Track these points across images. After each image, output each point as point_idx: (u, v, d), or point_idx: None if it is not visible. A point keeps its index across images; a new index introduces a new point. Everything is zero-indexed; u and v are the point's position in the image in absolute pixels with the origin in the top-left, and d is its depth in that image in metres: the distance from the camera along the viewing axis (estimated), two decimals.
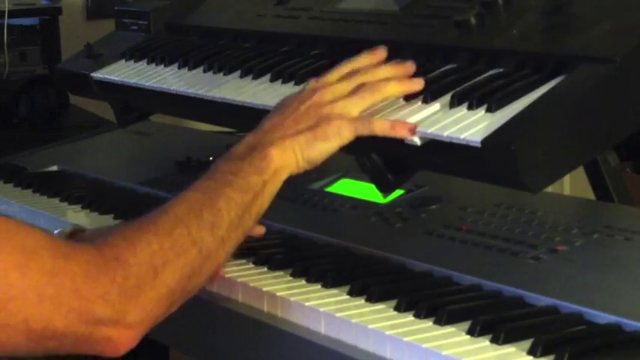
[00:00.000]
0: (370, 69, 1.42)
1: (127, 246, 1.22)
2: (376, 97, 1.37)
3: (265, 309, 1.37)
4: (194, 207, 1.28)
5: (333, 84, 1.40)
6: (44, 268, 1.14)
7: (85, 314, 1.16)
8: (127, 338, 1.20)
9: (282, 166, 1.34)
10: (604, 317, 1.21)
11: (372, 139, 1.34)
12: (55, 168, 2.20)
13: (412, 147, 1.31)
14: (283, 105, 1.41)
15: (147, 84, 1.84)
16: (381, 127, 1.33)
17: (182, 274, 1.24)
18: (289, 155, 1.35)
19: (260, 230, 1.46)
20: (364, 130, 1.34)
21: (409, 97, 1.38)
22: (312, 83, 1.41)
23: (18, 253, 1.13)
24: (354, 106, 1.36)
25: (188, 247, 1.25)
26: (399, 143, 1.32)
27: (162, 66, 1.88)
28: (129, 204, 1.82)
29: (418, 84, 1.38)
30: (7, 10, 3.30)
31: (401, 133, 1.32)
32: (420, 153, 1.33)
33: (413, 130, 1.31)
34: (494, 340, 1.17)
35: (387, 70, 1.41)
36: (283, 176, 1.35)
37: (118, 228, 1.30)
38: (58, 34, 3.48)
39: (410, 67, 1.41)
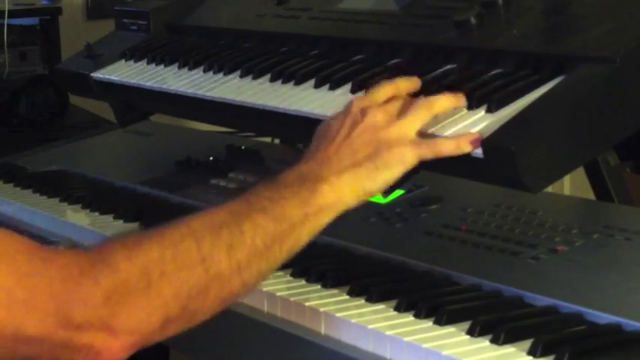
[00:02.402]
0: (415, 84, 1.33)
1: (122, 250, 1.13)
2: (431, 112, 1.28)
3: (265, 309, 1.37)
4: (213, 224, 1.18)
5: (382, 103, 1.30)
6: (17, 271, 1.08)
7: (63, 318, 1.09)
8: (111, 348, 1.11)
9: (332, 204, 1.23)
10: (604, 317, 1.21)
11: None
12: (55, 168, 2.20)
13: None
14: (331, 128, 1.29)
15: (147, 84, 1.84)
16: (447, 148, 1.24)
17: (181, 289, 1.14)
18: (345, 191, 1.24)
19: None
20: (429, 154, 1.25)
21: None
22: (356, 102, 1.30)
23: None
24: (411, 126, 1.26)
25: (194, 262, 1.15)
26: None
27: (162, 66, 1.88)
28: (129, 204, 1.82)
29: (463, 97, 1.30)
30: (7, 10, 3.30)
31: (468, 148, 1.23)
32: None
33: (478, 142, 1.23)
34: (495, 340, 1.17)
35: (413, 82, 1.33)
36: (332, 215, 1.24)
37: (122, 234, 1.21)
38: (58, 34, 3.48)
39: None
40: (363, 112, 1.28)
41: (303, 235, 1.22)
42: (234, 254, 1.17)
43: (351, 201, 1.25)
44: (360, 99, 1.31)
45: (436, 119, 1.29)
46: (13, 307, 1.07)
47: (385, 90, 1.32)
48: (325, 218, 1.24)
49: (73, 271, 1.10)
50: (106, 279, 1.11)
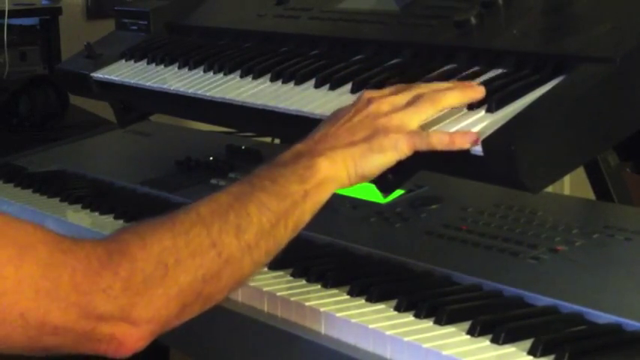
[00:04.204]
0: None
1: (137, 240, 1.16)
2: (436, 107, 1.28)
3: (265, 309, 1.37)
4: (220, 208, 1.21)
5: (390, 95, 1.31)
6: (40, 262, 1.10)
7: (85, 309, 1.11)
8: (132, 337, 1.14)
9: (329, 177, 1.25)
10: (604, 317, 1.21)
11: None
12: (55, 168, 2.20)
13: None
14: (336, 115, 1.33)
15: (147, 84, 1.84)
16: (439, 142, 1.25)
17: (196, 275, 1.17)
18: (339, 167, 1.26)
19: None
20: (422, 145, 1.26)
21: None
22: (366, 93, 1.33)
23: (13, 246, 1.10)
24: (413, 118, 1.28)
25: (206, 247, 1.18)
26: None
27: (162, 66, 1.88)
28: (129, 204, 1.82)
29: (479, 92, 1.29)
30: (7, 10, 3.30)
31: (463, 145, 1.24)
32: (420, 153, 1.33)
33: (476, 141, 1.23)
34: (495, 340, 1.17)
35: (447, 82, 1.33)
36: (330, 189, 1.26)
37: (133, 224, 1.24)
38: (58, 34, 3.48)
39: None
40: (370, 101, 1.31)
41: (305, 211, 1.24)
42: (242, 236, 1.19)
43: (345, 179, 1.27)
44: (371, 91, 1.34)
45: (438, 118, 1.29)
46: (38, 298, 1.10)
47: (396, 86, 1.34)
48: (324, 193, 1.26)
49: (92, 263, 1.13)
50: (124, 270, 1.13)
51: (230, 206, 1.21)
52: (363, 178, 1.28)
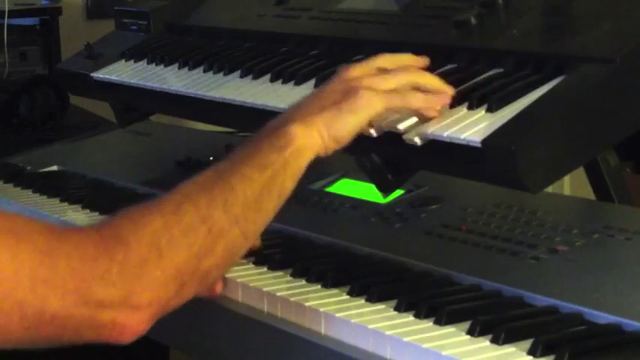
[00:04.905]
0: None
1: (128, 224, 1.17)
2: (410, 78, 1.32)
3: (265, 309, 1.37)
4: (205, 185, 1.23)
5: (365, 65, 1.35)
6: (36, 250, 1.10)
7: (84, 296, 1.11)
8: (133, 321, 1.14)
9: (305, 144, 1.26)
10: (604, 317, 1.21)
11: (370, 139, 1.34)
12: (55, 168, 2.20)
13: (412, 147, 1.31)
14: (313, 92, 1.36)
15: (147, 84, 1.84)
16: (416, 100, 1.28)
17: (190, 253, 1.18)
18: (313, 134, 1.27)
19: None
20: (396, 102, 1.28)
21: None
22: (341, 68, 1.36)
23: (8, 236, 1.10)
24: (383, 82, 1.30)
25: (196, 224, 1.19)
26: (399, 143, 1.32)
27: (162, 66, 1.88)
28: (129, 204, 1.81)
29: (447, 99, 1.32)
30: (7, 10, 3.31)
31: (438, 104, 1.28)
32: (420, 153, 1.33)
33: (447, 102, 1.29)
34: (494, 340, 1.17)
35: (420, 59, 1.38)
36: (307, 156, 1.27)
37: (123, 210, 1.24)
38: (58, 34, 3.48)
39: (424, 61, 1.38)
40: (342, 69, 1.34)
41: (287, 179, 1.26)
42: (230, 209, 1.21)
43: (321, 144, 1.28)
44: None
45: (435, 120, 1.29)
46: (35, 286, 1.10)
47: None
48: (302, 160, 1.27)
49: (87, 249, 1.13)
50: (119, 254, 1.14)
51: (214, 182, 1.23)
52: (338, 142, 1.29)
